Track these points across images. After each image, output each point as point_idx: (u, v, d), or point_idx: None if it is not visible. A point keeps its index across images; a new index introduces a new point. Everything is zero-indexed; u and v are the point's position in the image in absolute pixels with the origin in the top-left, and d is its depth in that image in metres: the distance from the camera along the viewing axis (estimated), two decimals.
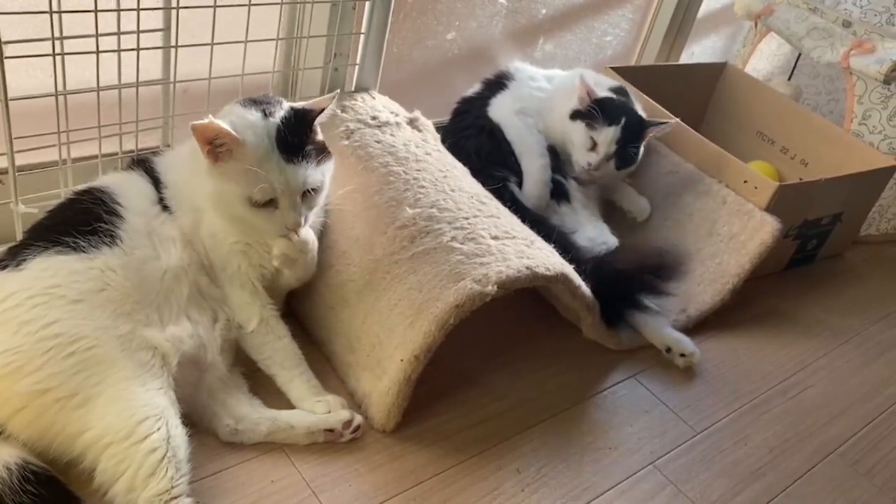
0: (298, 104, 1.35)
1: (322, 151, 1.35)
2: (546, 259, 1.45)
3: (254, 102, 1.33)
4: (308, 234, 1.39)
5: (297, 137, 1.30)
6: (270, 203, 1.29)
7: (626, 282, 1.66)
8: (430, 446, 1.38)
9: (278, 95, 1.42)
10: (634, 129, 1.86)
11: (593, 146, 1.86)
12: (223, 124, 1.24)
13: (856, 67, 2.21)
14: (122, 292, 1.21)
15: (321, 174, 1.33)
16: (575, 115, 1.87)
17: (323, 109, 1.33)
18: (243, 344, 1.39)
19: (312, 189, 1.32)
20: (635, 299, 1.68)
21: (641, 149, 1.90)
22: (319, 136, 1.36)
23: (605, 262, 1.66)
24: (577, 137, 1.87)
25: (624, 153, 1.86)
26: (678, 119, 2.01)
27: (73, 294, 1.17)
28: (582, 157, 1.87)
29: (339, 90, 1.37)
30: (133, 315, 1.21)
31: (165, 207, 1.34)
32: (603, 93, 1.90)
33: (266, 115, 1.30)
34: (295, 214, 1.31)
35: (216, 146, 1.25)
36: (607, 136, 1.84)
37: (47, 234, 1.24)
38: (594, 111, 1.84)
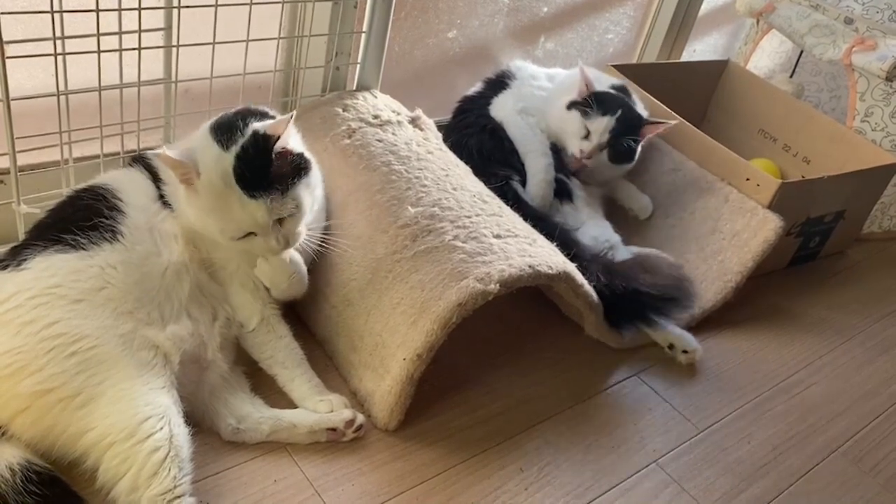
0: (262, 125, 1.27)
1: (295, 170, 1.28)
2: (548, 257, 1.44)
3: (220, 130, 1.26)
4: (291, 257, 1.36)
5: (255, 170, 1.23)
6: (248, 233, 1.27)
7: (640, 301, 1.65)
8: (432, 445, 1.37)
9: (254, 107, 1.35)
10: (630, 123, 1.86)
11: (587, 135, 1.85)
12: (178, 156, 1.20)
13: (858, 64, 2.21)
14: (122, 290, 1.21)
15: (292, 200, 1.26)
16: (571, 105, 1.87)
17: (279, 135, 1.24)
18: (244, 343, 1.39)
19: (287, 215, 1.27)
20: (645, 315, 1.68)
21: (639, 147, 1.89)
22: (295, 151, 1.29)
23: (620, 273, 1.64)
24: (571, 126, 1.86)
25: (617, 145, 1.85)
26: (680, 119, 2.01)
27: (73, 293, 1.17)
28: (575, 146, 1.86)
29: (293, 112, 1.28)
30: (134, 313, 1.21)
31: (165, 204, 1.33)
32: (603, 88, 1.90)
33: (224, 147, 1.24)
34: (274, 242, 1.28)
35: (181, 175, 1.23)
36: (600, 124, 1.83)
37: (48, 232, 1.24)
38: (590, 101, 1.84)
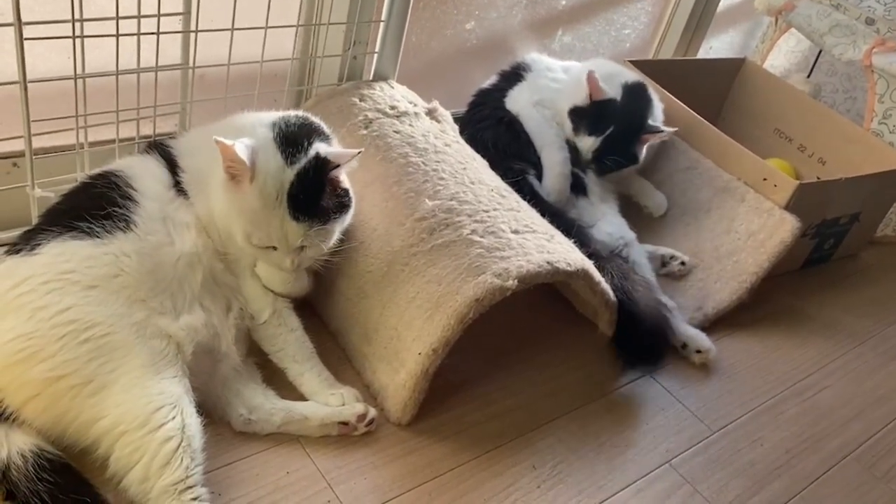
0: (325, 150, 1.27)
1: (339, 207, 1.30)
2: (567, 254, 1.43)
3: (285, 140, 1.26)
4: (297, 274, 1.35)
5: (310, 194, 1.24)
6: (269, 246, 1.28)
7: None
8: (445, 440, 1.36)
9: (316, 123, 1.36)
10: (621, 138, 1.84)
11: (576, 148, 1.87)
12: (243, 154, 1.19)
13: (878, 66, 2.19)
14: (136, 278, 1.19)
15: (327, 234, 1.29)
16: (571, 113, 1.86)
17: (339, 165, 1.26)
18: (255, 335, 1.37)
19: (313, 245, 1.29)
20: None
21: (637, 151, 1.87)
22: (344, 185, 1.31)
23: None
24: (568, 135, 1.88)
25: (600, 163, 1.86)
26: (697, 116, 1.99)
27: (87, 280, 1.16)
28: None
29: (361, 149, 1.30)
30: (147, 302, 1.19)
31: (181, 192, 1.31)
32: (613, 90, 1.86)
33: (288, 162, 1.24)
34: (289, 262, 1.28)
35: (233, 169, 1.22)
36: (585, 144, 1.85)
37: (62, 218, 1.22)
38: (584, 114, 1.83)
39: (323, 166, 1.26)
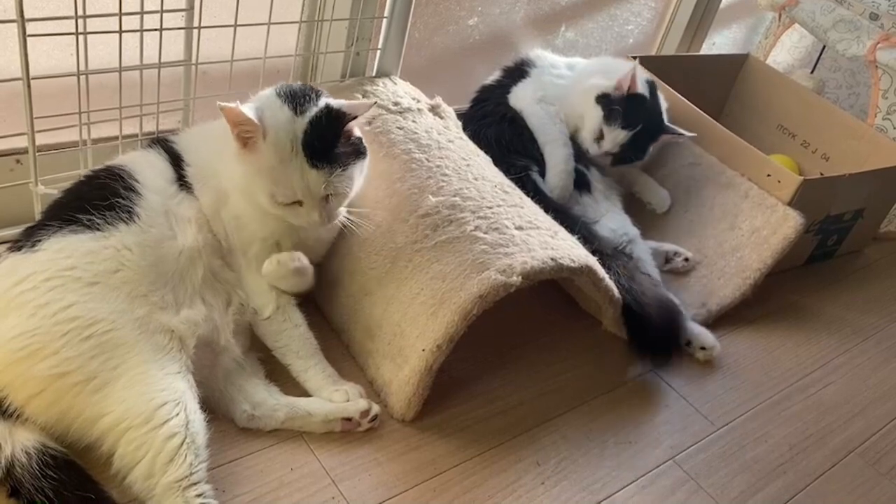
0: (336, 102, 1.30)
1: (355, 153, 1.32)
2: (570, 250, 1.43)
3: (290, 95, 1.28)
4: (298, 259, 1.35)
5: (325, 141, 1.26)
6: (295, 201, 1.28)
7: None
8: (449, 437, 1.36)
9: (317, 86, 1.36)
10: (646, 136, 1.85)
11: (600, 137, 1.85)
12: (249, 113, 1.21)
13: (882, 61, 2.18)
14: (137, 272, 1.19)
15: (348, 179, 1.30)
16: (600, 99, 1.84)
17: (356, 116, 1.29)
18: (258, 331, 1.37)
19: (337, 193, 1.30)
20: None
21: (650, 149, 1.88)
22: (356, 134, 1.33)
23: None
24: (590, 121, 1.85)
25: (623, 156, 1.86)
26: (700, 112, 1.98)
27: (88, 276, 1.16)
28: (587, 140, 1.87)
29: (376, 101, 1.32)
30: (149, 297, 1.19)
31: (183, 187, 1.32)
32: (643, 88, 1.85)
33: (297, 112, 1.26)
34: (317, 216, 1.29)
35: (243, 132, 1.24)
36: (616, 136, 1.83)
37: (63, 212, 1.22)
38: (620, 105, 1.81)
39: (339, 117, 1.28)
